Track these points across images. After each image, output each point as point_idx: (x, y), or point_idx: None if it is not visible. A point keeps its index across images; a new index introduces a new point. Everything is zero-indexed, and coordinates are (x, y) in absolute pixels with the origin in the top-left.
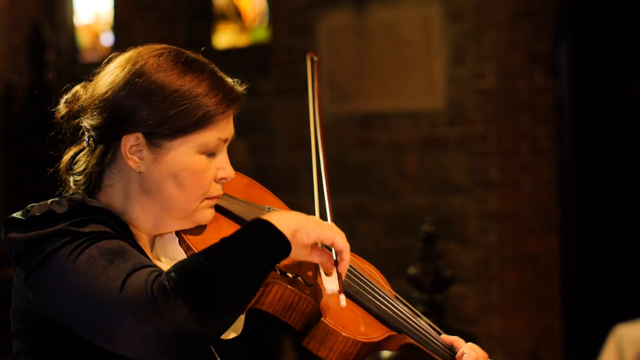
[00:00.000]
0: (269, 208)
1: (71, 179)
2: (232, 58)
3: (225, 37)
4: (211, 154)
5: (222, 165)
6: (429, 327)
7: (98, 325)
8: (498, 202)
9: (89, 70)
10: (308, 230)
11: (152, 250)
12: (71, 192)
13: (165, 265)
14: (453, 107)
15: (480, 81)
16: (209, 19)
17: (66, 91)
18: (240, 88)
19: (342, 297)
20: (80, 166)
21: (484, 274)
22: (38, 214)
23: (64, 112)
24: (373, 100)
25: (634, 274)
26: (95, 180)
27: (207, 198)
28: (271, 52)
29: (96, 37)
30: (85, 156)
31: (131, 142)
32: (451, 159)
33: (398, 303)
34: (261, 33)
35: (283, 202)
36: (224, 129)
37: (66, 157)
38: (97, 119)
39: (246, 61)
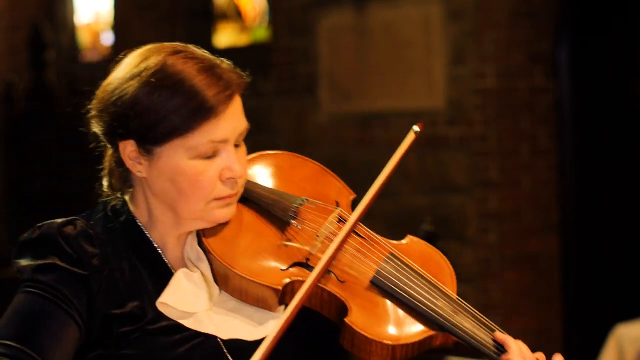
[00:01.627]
0: (304, 200)
1: (104, 180)
2: (232, 58)
3: (225, 37)
4: (208, 156)
5: (228, 164)
6: (479, 324)
7: None
8: (498, 202)
9: (89, 70)
10: None
11: (184, 249)
12: (104, 195)
13: (192, 267)
14: (453, 107)
15: (480, 81)
16: (209, 18)
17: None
18: (239, 80)
19: None
20: (105, 168)
21: (483, 274)
22: (21, 240)
23: (90, 113)
24: (373, 100)
25: (634, 273)
26: (118, 182)
27: (216, 199)
28: (271, 52)
29: (96, 36)
30: (109, 159)
31: (128, 149)
32: (451, 158)
33: (448, 300)
34: (261, 33)
35: None
36: (216, 130)
37: (106, 157)
38: (98, 126)
39: (246, 61)
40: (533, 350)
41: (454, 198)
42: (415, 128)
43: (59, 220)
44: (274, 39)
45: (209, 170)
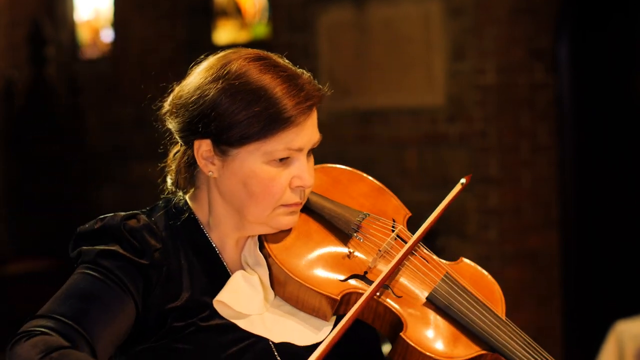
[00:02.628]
0: (365, 215)
1: (168, 177)
2: None
3: (225, 34)
4: (282, 161)
5: (299, 173)
6: (529, 347)
7: None
8: (498, 199)
9: (89, 67)
10: None
11: (242, 251)
12: (167, 191)
13: (249, 270)
14: (453, 103)
15: (480, 77)
16: (209, 15)
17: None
18: (318, 92)
19: None
20: (174, 165)
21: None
22: (81, 232)
23: (166, 109)
24: (373, 97)
25: (634, 270)
26: (183, 180)
27: (283, 205)
28: (271, 49)
29: (96, 33)
30: (178, 156)
31: (203, 148)
32: (451, 155)
33: (500, 322)
34: (261, 29)
35: None
36: (294, 138)
37: (170, 155)
38: (175, 122)
39: None
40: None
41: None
42: (463, 180)
43: (122, 213)
44: (273, 35)
45: (281, 177)
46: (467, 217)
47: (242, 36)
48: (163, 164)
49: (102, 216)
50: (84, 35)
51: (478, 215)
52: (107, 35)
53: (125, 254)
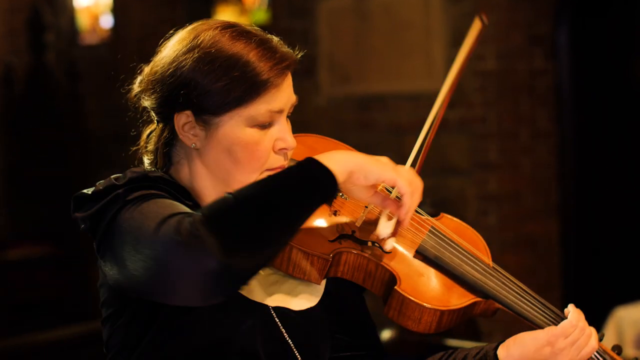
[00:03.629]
0: None
1: (145, 158)
2: None
3: (224, 19)
4: (264, 125)
5: (281, 135)
6: (522, 291)
7: (142, 272)
8: (498, 185)
9: (88, 53)
10: (366, 171)
11: None
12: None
13: None
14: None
15: (480, 63)
16: (209, 1)
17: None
18: (291, 54)
19: (390, 241)
20: (150, 145)
21: None
22: (102, 188)
23: (136, 91)
24: (373, 83)
25: (634, 256)
26: (163, 158)
27: (268, 169)
28: (271, 34)
29: (96, 19)
30: (155, 135)
31: (183, 120)
32: (451, 141)
33: (489, 269)
34: (261, 15)
35: None
36: (274, 100)
37: (143, 136)
38: (151, 99)
39: None
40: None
41: (454, 180)
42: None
43: (135, 168)
44: (273, 21)
45: (264, 140)
46: (466, 203)
47: (242, 21)
48: (136, 147)
49: (114, 176)
50: (83, 21)
51: (477, 201)
52: (107, 21)
53: (169, 189)
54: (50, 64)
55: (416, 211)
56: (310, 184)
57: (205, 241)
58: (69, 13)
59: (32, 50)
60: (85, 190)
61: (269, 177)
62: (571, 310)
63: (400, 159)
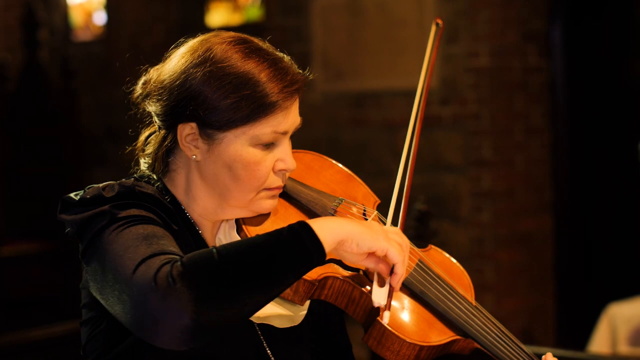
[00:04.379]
0: (341, 200)
1: (142, 160)
2: None
3: (218, 16)
4: (268, 145)
5: (282, 156)
6: (500, 333)
7: (120, 309)
8: (491, 181)
9: (82, 49)
10: (358, 240)
11: (216, 235)
12: (140, 173)
13: None
14: (446, 86)
15: (473, 60)
16: None
17: (144, 72)
18: (302, 77)
19: (387, 314)
20: (149, 148)
21: (477, 253)
22: (89, 197)
23: (139, 92)
24: (366, 79)
25: (627, 253)
26: (160, 164)
27: (266, 189)
28: (264, 31)
29: (89, 16)
30: (155, 139)
31: (187, 131)
32: (445, 138)
33: (472, 308)
34: (254, 12)
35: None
36: (280, 122)
37: (141, 138)
38: (156, 106)
39: None
40: (527, 328)
41: (448, 177)
42: (438, 22)
43: (125, 180)
44: (266, 18)
45: (266, 160)
46: (460, 200)
47: (235, 18)
48: (133, 147)
49: (104, 184)
50: (76, 17)
51: (471, 198)
52: (100, 18)
53: (155, 209)
54: (43, 61)
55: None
56: (298, 254)
57: (179, 296)
58: (62, 10)
59: (25, 47)
60: (72, 194)
61: (258, 238)
62: None
63: (393, 156)
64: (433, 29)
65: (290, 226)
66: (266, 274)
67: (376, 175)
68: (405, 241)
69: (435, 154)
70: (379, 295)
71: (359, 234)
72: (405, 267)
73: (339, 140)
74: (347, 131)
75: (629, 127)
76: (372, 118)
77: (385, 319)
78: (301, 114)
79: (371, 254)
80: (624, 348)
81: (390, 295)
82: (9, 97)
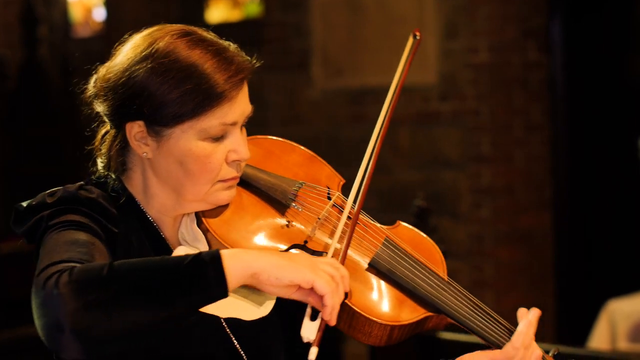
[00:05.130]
0: (301, 184)
1: (99, 160)
2: (224, 33)
3: (217, 12)
4: (217, 138)
5: (234, 147)
6: (474, 306)
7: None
8: (491, 178)
9: (81, 46)
10: (277, 273)
11: (179, 229)
12: (98, 173)
13: (188, 247)
14: (446, 82)
15: (473, 56)
16: None
17: (95, 70)
18: (248, 64)
19: (314, 350)
20: (104, 147)
21: (477, 250)
22: (34, 204)
23: (91, 92)
24: (366, 76)
25: (627, 249)
26: (115, 163)
27: (221, 181)
28: (264, 27)
29: (88, 12)
30: (108, 138)
31: (135, 130)
32: (444, 134)
33: (443, 284)
34: (254, 8)
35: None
36: (227, 113)
37: (98, 137)
38: (104, 106)
39: (238, 36)
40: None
41: (447, 173)
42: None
43: (70, 185)
44: (266, 14)
45: (217, 152)
46: (460, 196)
47: (235, 15)
48: (91, 147)
49: (49, 191)
50: (76, 14)
51: (470, 195)
52: (100, 14)
53: (92, 214)
54: (43, 57)
55: (371, 220)
56: (195, 285)
57: (60, 303)
58: (62, 6)
59: (25, 44)
60: (23, 203)
61: (161, 260)
62: (517, 330)
63: (392, 152)
64: (410, 40)
65: (198, 255)
66: (153, 297)
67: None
68: (339, 272)
69: (435, 150)
70: (308, 330)
71: (277, 266)
72: (337, 298)
73: (339, 137)
74: (347, 128)
75: (629, 123)
76: (372, 115)
77: (312, 355)
78: (300, 110)
79: (295, 286)
80: (623, 344)
81: (321, 329)
82: (9, 95)
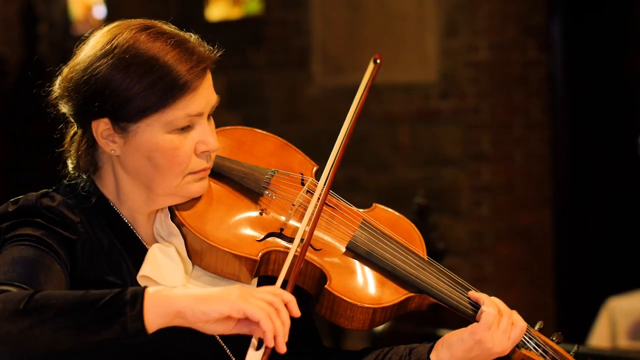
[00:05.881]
0: (274, 172)
1: (69, 161)
2: (224, 31)
3: (217, 10)
4: (184, 129)
5: (202, 138)
6: (454, 284)
7: None
8: (491, 175)
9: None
10: (202, 307)
11: (153, 225)
12: (70, 175)
13: (164, 242)
14: (446, 80)
15: (473, 54)
16: None
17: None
18: (210, 54)
19: None
20: (73, 148)
21: (476, 247)
22: None
23: (56, 93)
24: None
25: (627, 247)
26: (85, 163)
27: (191, 173)
28: (264, 25)
29: (89, 9)
30: (76, 138)
31: (101, 128)
32: (444, 132)
33: (423, 263)
34: (254, 6)
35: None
36: (192, 104)
37: (67, 139)
38: (68, 106)
39: (239, 34)
40: (526, 321)
41: (447, 171)
42: (377, 59)
43: (34, 193)
44: (266, 12)
45: (185, 145)
46: (460, 194)
47: (235, 12)
48: (61, 149)
49: (14, 199)
50: (76, 11)
51: (470, 192)
52: (100, 12)
53: (48, 225)
54: (43, 55)
55: (347, 204)
56: (109, 325)
57: None
58: (62, 3)
59: (24, 41)
60: None
61: (79, 296)
62: (485, 300)
63: (393, 150)
64: (371, 65)
65: (121, 292)
66: (64, 333)
67: (375, 169)
68: (280, 297)
69: (435, 147)
70: (251, 358)
71: (201, 300)
72: (277, 323)
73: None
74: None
75: (629, 122)
76: (372, 112)
77: None
78: (300, 107)
79: (232, 318)
80: (623, 342)
81: (266, 354)
82: (9, 92)
